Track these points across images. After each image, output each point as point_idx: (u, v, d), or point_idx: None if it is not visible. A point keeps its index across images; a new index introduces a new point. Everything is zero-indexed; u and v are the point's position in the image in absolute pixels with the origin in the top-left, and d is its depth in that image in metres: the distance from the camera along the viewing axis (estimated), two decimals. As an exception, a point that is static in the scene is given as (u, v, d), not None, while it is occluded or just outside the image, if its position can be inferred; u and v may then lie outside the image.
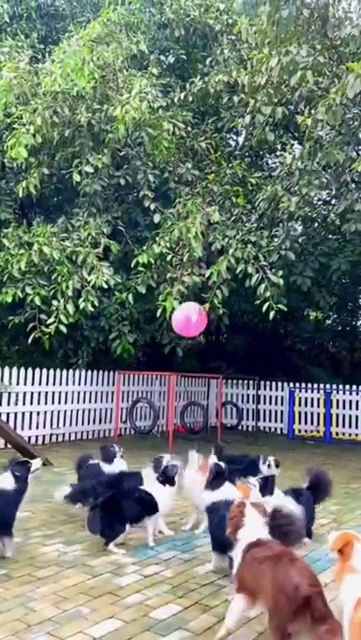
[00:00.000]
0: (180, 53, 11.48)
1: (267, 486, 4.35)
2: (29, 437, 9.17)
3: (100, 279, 8.48)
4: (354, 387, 12.44)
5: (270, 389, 13.25)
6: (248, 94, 8.75)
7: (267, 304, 8.56)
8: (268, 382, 13.13)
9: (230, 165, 10.26)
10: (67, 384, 10.16)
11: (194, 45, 11.74)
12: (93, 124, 9.22)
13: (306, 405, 12.65)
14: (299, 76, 7.45)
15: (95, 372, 10.61)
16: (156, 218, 9.40)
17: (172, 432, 9.52)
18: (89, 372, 10.54)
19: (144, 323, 10.85)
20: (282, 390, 13.05)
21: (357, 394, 12.19)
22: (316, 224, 12.52)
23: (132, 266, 9.05)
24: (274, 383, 13.19)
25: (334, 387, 12.55)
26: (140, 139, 9.46)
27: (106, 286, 8.66)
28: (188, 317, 8.55)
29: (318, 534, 4.96)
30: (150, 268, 9.10)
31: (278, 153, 12.34)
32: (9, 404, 9.19)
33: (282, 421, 12.90)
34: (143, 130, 9.23)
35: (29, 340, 8.82)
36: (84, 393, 10.48)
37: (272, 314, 8.53)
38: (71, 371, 10.28)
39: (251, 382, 12.99)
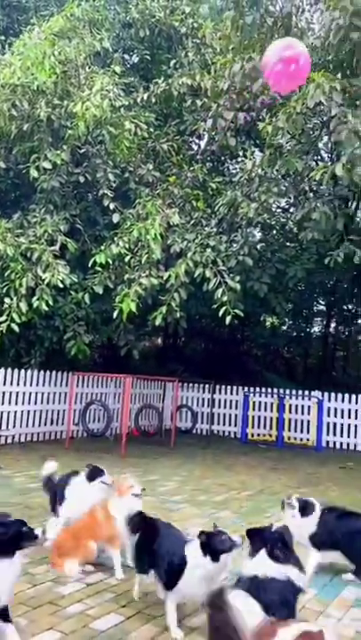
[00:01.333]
0: (145, 54, 11.43)
1: (307, 507, 4.03)
2: (-23, 439, 8.88)
3: (56, 277, 8.29)
4: (306, 392, 12.64)
5: (225, 393, 13.30)
6: (211, 98, 8.78)
7: (224, 308, 8.59)
8: (223, 386, 13.17)
9: (191, 169, 10.26)
10: (18, 384, 9.89)
11: (158, 47, 11.71)
12: (53, 120, 9.04)
13: (260, 410, 12.75)
14: (260, 82, 7.51)
15: (48, 372, 10.38)
16: (116, 217, 9.29)
17: (125, 435, 9.41)
18: (41, 372, 10.30)
19: (101, 323, 10.70)
20: (237, 394, 13.12)
21: (309, 399, 12.38)
22: (274, 231, 12.69)
23: (90, 265, 8.90)
24: (229, 387, 13.25)
25: (288, 392, 12.71)
26: (100, 137, 9.33)
27: (61, 285, 8.47)
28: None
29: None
30: (108, 269, 8.98)
31: (240, 159, 12.44)
32: None
33: (236, 425, 12.95)
34: (104, 128, 9.11)
35: (-21, 339, 8.54)
36: (36, 394, 10.23)
37: (228, 318, 8.57)
38: (23, 371, 10.02)
39: (206, 386, 13.01)
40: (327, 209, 8.02)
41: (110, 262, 8.81)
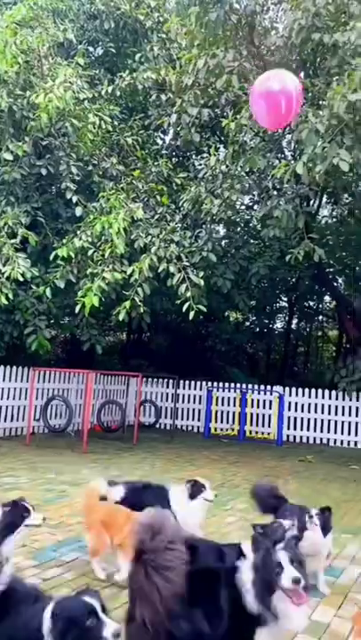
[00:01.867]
0: (110, 46, 11.32)
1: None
2: None
3: (16, 271, 8.16)
4: (268, 387, 12.83)
5: (189, 388, 13.37)
6: (175, 94, 8.77)
7: (187, 304, 8.63)
8: (187, 381, 13.24)
9: (156, 163, 10.25)
10: (-23, 380, 9.72)
11: (124, 40, 11.62)
12: (15, 110, 8.87)
13: (223, 404, 12.89)
14: (224, 79, 7.56)
15: (8, 367, 10.21)
16: (78, 211, 9.20)
17: (87, 431, 9.36)
18: (1, 367, 10.13)
19: (63, 318, 10.59)
20: (200, 389, 13.21)
21: (271, 394, 12.58)
22: (238, 228, 12.82)
23: (52, 259, 8.80)
24: (193, 382, 13.33)
25: (250, 387, 12.87)
26: (64, 129, 9.21)
27: (22, 279, 8.34)
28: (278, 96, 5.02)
29: (225, 532, 5.03)
30: (70, 263, 8.89)
31: (205, 155, 12.50)
32: None
33: (199, 420, 13.05)
34: (67, 120, 9.00)
35: None
36: (-4, 389, 10.07)
37: (192, 314, 8.61)
38: (-18, 366, 9.84)
39: (170, 381, 13.05)
40: (289, 207, 8.14)
41: (73, 256, 8.72)
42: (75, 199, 9.20)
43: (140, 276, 8.57)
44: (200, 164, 10.95)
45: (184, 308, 8.63)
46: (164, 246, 8.86)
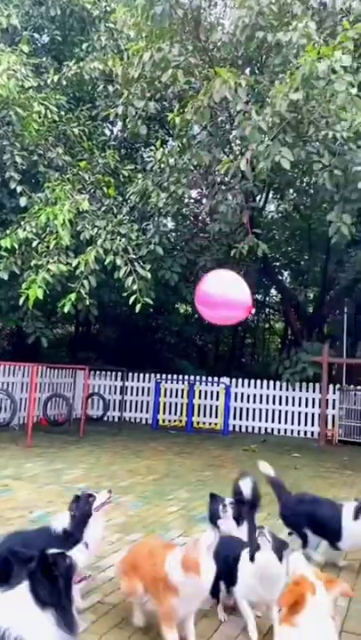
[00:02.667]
0: (56, 34, 11.11)
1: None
2: None
3: None
4: (216, 378, 13.05)
5: (137, 380, 13.43)
6: (122, 85, 8.73)
7: (134, 297, 8.65)
8: (135, 373, 13.29)
9: (103, 155, 10.17)
10: None
11: (71, 28, 11.42)
12: None
13: (171, 396, 13.02)
14: (170, 73, 7.59)
15: None
16: (23, 201, 9.04)
17: (31, 424, 9.25)
18: None
19: (7, 311, 10.39)
20: (149, 382, 13.29)
21: (218, 385, 12.80)
22: (188, 221, 12.91)
23: (-5, 250, 8.61)
24: (141, 374, 13.38)
25: (198, 378, 13.05)
26: (7, 118, 9.00)
27: None
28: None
29: (166, 522, 5.13)
30: (14, 254, 8.73)
31: (153, 147, 12.49)
32: None
33: (147, 412, 13.14)
34: (11, 109, 8.80)
35: None
36: None
37: (138, 307, 8.64)
38: None
39: (118, 373, 13.05)
40: (233, 202, 8.28)
41: (17, 247, 8.57)
42: (19, 189, 9.03)
43: (85, 269, 8.51)
44: (148, 157, 10.94)
45: (131, 301, 8.65)
46: (110, 238, 8.83)
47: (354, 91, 6.91)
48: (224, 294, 4.22)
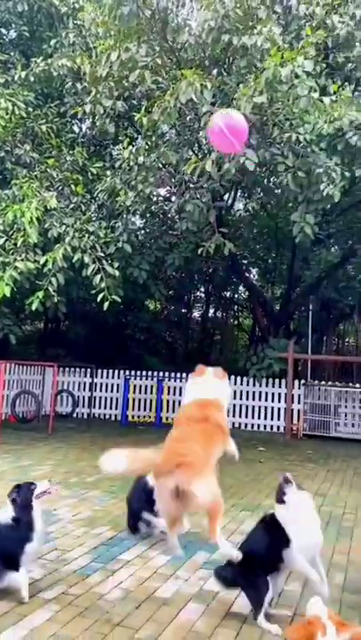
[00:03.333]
0: (24, 30, 11.03)
1: None
2: None
3: None
4: (184, 374, 13.20)
5: (106, 377, 13.49)
6: (90, 84, 8.75)
7: (102, 294, 8.72)
8: (104, 370, 13.35)
9: (71, 152, 10.17)
10: None
11: (39, 23, 11.35)
12: None
13: (140, 392, 13.13)
14: (137, 74, 7.67)
15: None
16: (-10, 198, 8.99)
17: None
18: None
19: (-25, 308, 10.34)
20: (118, 378, 13.38)
21: (186, 381, 12.93)
22: (157, 219, 13.00)
23: None
24: (110, 371, 13.45)
25: (166, 374, 13.20)
26: (-26, 114, 8.93)
27: None
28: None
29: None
30: (-19, 251, 8.68)
31: (121, 146, 12.53)
32: None
33: (117, 408, 13.23)
34: (-22, 104, 8.73)
35: None
36: None
37: (106, 304, 8.72)
38: None
39: (87, 370, 13.10)
40: (200, 202, 8.42)
41: (-17, 245, 8.54)
42: (-14, 186, 8.99)
43: (53, 266, 8.54)
44: (117, 155, 11.00)
45: (99, 299, 8.72)
46: (78, 236, 8.87)
47: (316, 95, 7.13)
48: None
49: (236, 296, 18.64)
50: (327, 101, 7.35)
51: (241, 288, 17.43)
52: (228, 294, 18.49)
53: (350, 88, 8.73)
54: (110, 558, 4.09)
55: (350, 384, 12.69)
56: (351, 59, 8.97)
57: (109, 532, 4.70)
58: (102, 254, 8.97)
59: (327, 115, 7.45)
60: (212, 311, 19.33)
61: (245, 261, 16.05)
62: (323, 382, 12.78)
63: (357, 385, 12.38)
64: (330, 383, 12.66)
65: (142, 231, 11.87)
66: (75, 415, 12.47)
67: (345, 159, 8.37)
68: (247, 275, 15.80)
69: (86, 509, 5.40)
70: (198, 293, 18.81)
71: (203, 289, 18.09)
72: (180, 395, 12.97)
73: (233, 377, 12.90)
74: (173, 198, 13.23)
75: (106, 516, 5.20)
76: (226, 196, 14.68)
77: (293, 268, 14.20)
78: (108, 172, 9.84)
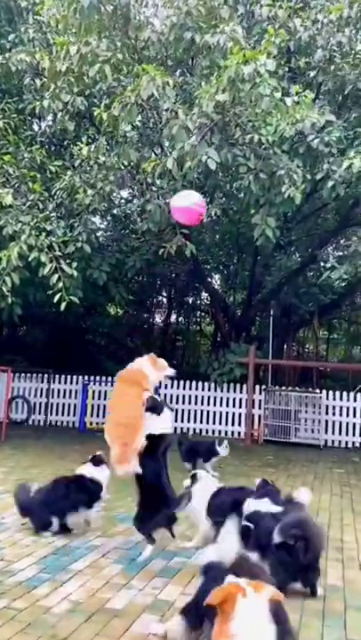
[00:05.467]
0: (-20, 23, 10.67)
1: None
2: None
3: None
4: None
5: (65, 383, 13.12)
6: (49, 79, 8.49)
7: (59, 295, 8.42)
8: (61, 375, 12.98)
9: (29, 150, 9.85)
10: None
11: (-3, 18, 11.02)
12: None
13: (99, 398, 12.82)
14: (97, 68, 7.48)
15: None
16: None
17: None
18: None
19: None
20: (77, 384, 13.02)
21: (148, 387, 12.71)
22: (118, 221, 12.78)
23: None
24: (68, 377, 13.09)
25: (127, 380, 12.90)
26: None
27: None
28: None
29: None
30: None
31: (80, 143, 12.25)
32: None
33: (75, 415, 12.86)
34: None
35: None
36: None
37: (63, 305, 8.42)
38: None
39: (45, 376, 12.70)
40: (161, 202, 8.26)
41: None
42: None
43: (8, 265, 8.20)
44: (78, 153, 10.75)
45: (55, 299, 8.42)
46: (35, 235, 8.55)
47: (278, 95, 7.09)
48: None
49: (198, 301, 18.55)
50: (289, 102, 7.33)
51: (204, 294, 17.35)
52: (190, 299, 18.38)
53: (311, 94, 8.75)
54: (60, 568, 3.83)
55: (310, 389, 12.72)
56: (312, 64, 9.02)
57: (60, 541, 4.43)
58: (60, 254, 8.68)
59: (289, 117, 7.43)
60: (174, 316, 19.17)
61: (208, 266, 15.97)
62: (283, 388, 12.77)
63: (317, 390, 12.41)
64: (290, 388, 12.67)
65: (103, 232, 11.63)
66: (30, 422, 12.04)
67: (307, 162, 8.38)
68: (209, 280, 15.72)
69: (37, 518, 5.10)
70: (161, 298, 18.62)
71: (165, 294, 17.93)
72: (141, 400, 12.71)
73: (195, 382, 12.76)
74: (136, 200, 13.08)
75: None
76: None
77: (255, 273, 14.20)
78: (69, 172, 9.59)
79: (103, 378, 12.97)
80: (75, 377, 13.06)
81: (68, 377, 13.08)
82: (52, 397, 12.84)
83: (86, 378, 12.78)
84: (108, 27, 8.25)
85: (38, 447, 9.45)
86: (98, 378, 12.92)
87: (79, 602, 3.31)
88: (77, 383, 12.96)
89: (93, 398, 12.64)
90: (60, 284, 8.41)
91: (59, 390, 13.06)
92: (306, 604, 3.42)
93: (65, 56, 7.74)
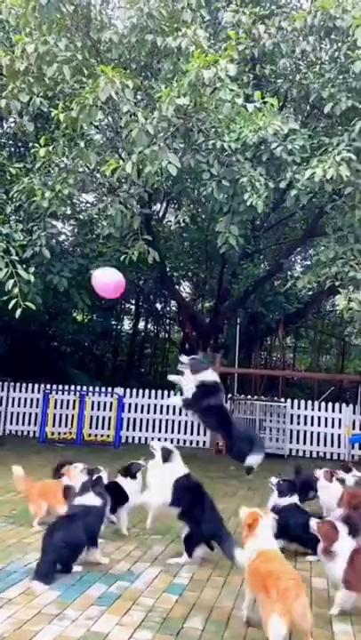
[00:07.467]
0: None
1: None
2: None
3: None
4: (109, 389, 12.70)
5: (25, 391, 12.75)
6: (7, 78, 8.22)
7: (14, 301, 8.12)
8: (21, 384, 12.61)
9: (-13, 151, 9.55)
10: None
11: None
12: None
13: (61, 408, 12.48)
14: (55, 68, 7.25)
15: None
16: None
17: None
18: None
19: None
20: (38, 392, 12.66)
21: (111, 396, 12.46)
22: (83, 225, 12.50)
23: None
24: (29, 385, 12.72)
25: (90, 389, 12.63)
26: None
27: None
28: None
29: (26, 543, 4.72)
30: None
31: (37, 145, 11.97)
32: None
33: (35, 424, 12.48)
34: None
35: None
36: None
37: (19, 312, 8.12)
38: None
39: (4, 384, 12.31)
40: (123, 207, 8.06)
41: None
42: None
43: None
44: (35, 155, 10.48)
45: (10, 305, 8.11)
46: (-10, 238, 8.24)
47: (240, 101, 6.97)
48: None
49: (167, 308, 18.36)
50: (251, 109, 7.22)
51: (173, 302, 17.17)
52: (159, 306, 18.18)
53: (278, 103, 8.67)
54: (-11, 597, 3.56)
55: (276, 398, 12.63)
56: (277, 72, 8.96)
57: (-4, 565, 4.15)
58: (17, 258, 8.39)
59: (252, 124, 7.32)
60: (142, 323, 18.93)
61: (176, 274, 15.81)
62: (248, 397, 12.65)
63: (282, 400, 12.33)
64: (255, 397, 12.55)
65: (66, 237, 11.35)
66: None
67: (270, 170, 8.28)
68: (177, 287, 15.55)
69: (-24, 537, 4.81)
70: (129, 305, 18.37)
71: (133, 300, 17.68)
72: (105, 410, 12.42)
73: (160, 391, 12.54)
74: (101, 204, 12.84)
75: (-4, 546, 4.64)
76: (157, 207, 14.44)
77: (222, 281, 14.09)
78: (30, 174, 9.31)
79: (65, 386, 12.64)
80: (35, 385, 12.70)
81: (29, 385, 12.71)
82: (13, 406, 12.46)
83: (47, 386, 12.43)
84: (69, 28, 8.03)
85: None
86: (60, 386, 12.59)
87: (3, 636, 3.05)
88: (38, 392, 12.60)
89: (55, 407, 12.30)
90: (16, 290, 8.10)
91: (19, 399, 12.68)
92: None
93: (23, 55, 7.48)
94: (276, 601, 2.89)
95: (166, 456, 4.71)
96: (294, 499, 5.10)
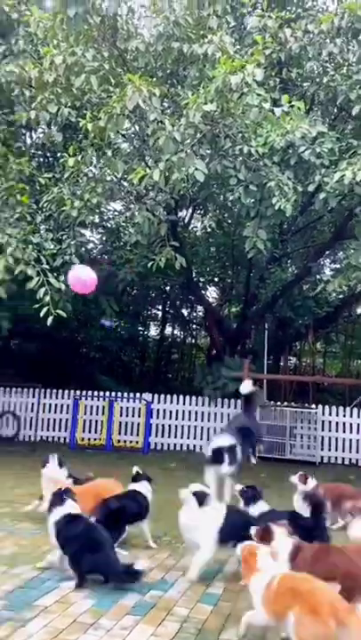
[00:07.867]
0: (-30, 35, 10.56)
1: None
2: None
3: None
4: (138, 394, 12.73)
5: (56, 397, 12.88)
6: (37, 90, 8.37)
7: (46, 309, 8.24)
8: (52, 390, 12.74)
9: (17, 162, 9.71)
10: None
11: (-13, 30, 10.91)
12: None
13: (90, 413, 12.56)
14: (83, 78, 7.35)
15: None
16: None
17: None
18: None
19: None
20: (68, 398, 12.77)
21: (140, 401, 12.48)
22: (111, 232, 12.62)
23: None
24: (60, 391, 12.85)
25: (119, 394, 12.69)
26: None
27: None
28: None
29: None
30: None
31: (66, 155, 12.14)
32: None
33: (66, 430, 12.59)
34: None
35: None
36: None
37: (50, 319, 8.23)
38: None
39: (35, 390, 12.46)
40: (150, 213, 8.10)
41: None
42: None
43: (-6, 279, 8.02)
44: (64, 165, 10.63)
45: (42, 313, 8.23)
46: (21, 247, 8.38)
47: (267, 106, 6.94)
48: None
49: (194, 314, 18.34)
50: (278, 113, 7.17)
51: (200, 307, 17.14)
52: (185, 312, 18.17)
53: (305, 106, 8.61)
54: (25, 604, 3.59)
55: (306, 404, 12.47)
56: (304, 75, 8.90)
57: (30, 573, 4.18)
58: (48, 267, 8.51)
59: (280, 127, 7.28)
60: (169, 329, 18.95)
61: (203, 279, 15.79)
62: (278, 403, 12.52)
63: (313, 406, 12.16)
64: (285, 404, 12.41)
65: (94, 245, 11.46)
66: (19, 438, 11.79)
67: (298, 174, 8.22)
68: (203, 292, 15.53)
69: (11, 544, 4.87)
70: (155, 311, 18.41)
71: (160, 306, 17.72)
72: (133, 416, 12.46)
73: (188, 397, 12.52)
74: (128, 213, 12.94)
75: (32, 552, 4.69)
76: (183, 213, 14.47)
77: (250, 286, 14.00)
78: (59, 184, 9.44)
79: (94, 392, 12.72)
80: (65, 391, 12.82)
81: (60, 391, 12.84)
82: (44, 412, 12.60)
83: (77, 392, 12.54)
84: (96, 38, 8.13)
85: (25, 465, 9.16)
86: (90, 392, 12.68)
87: (40, 646, 3.07)
88: (68, 398, 12.71)
89: (85, 413, 12.39)
90: (47, 298, 8.22)
91: (49, 405, 12.82)
92: None
93: (51, 66, 7.61)
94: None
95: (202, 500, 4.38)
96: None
